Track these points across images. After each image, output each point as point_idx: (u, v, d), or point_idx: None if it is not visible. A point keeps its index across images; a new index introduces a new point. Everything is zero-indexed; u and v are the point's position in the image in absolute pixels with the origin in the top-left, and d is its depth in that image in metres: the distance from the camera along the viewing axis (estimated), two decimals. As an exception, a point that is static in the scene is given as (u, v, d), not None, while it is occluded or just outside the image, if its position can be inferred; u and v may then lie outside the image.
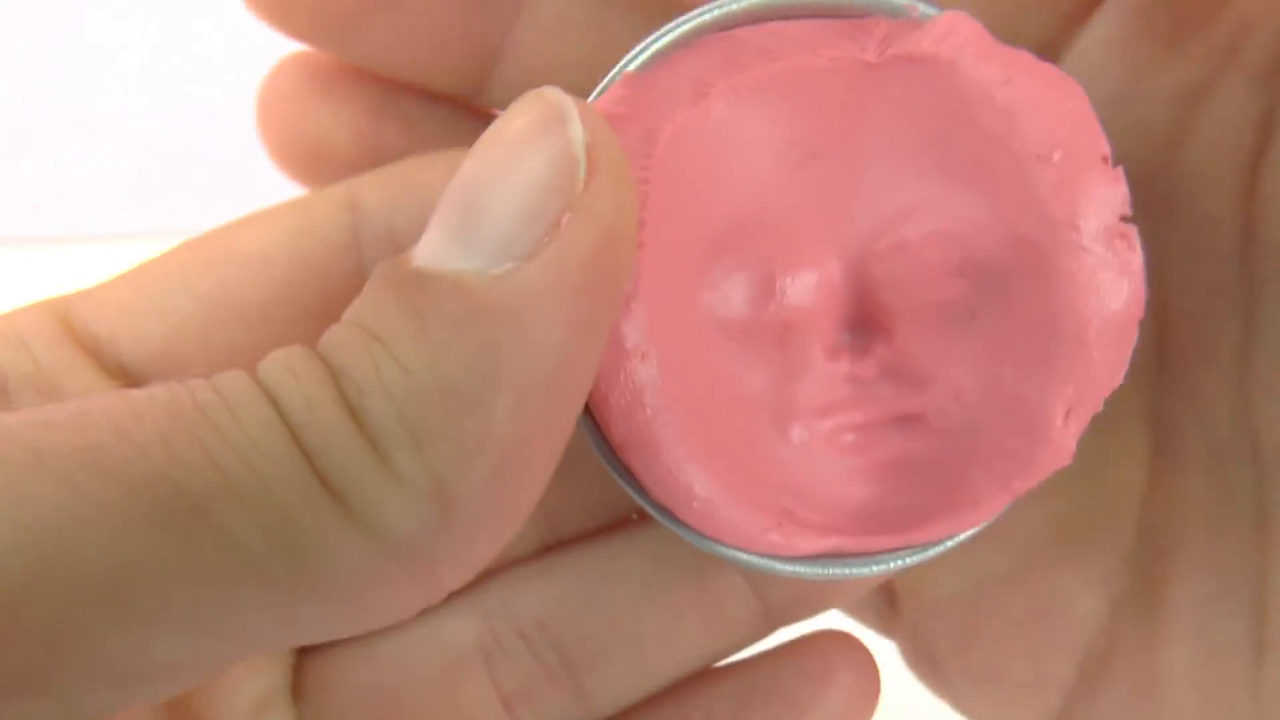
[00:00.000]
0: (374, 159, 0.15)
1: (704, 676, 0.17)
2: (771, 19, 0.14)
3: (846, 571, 0.14)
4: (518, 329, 0.11)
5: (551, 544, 0.17)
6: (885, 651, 0.18)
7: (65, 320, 0.15)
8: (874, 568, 0.14)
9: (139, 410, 0.11)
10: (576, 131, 0.12)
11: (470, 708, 0.17)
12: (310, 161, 0.16)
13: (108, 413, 0.11)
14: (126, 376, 0.15)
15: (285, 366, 0.11)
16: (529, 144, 0.12)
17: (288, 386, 0.11)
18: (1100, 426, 0.13)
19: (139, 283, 0.15)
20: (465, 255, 0.12)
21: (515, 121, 0.12)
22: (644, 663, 0.17)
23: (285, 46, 0.16)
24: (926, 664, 0.18)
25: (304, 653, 0.17)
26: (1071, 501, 0.16)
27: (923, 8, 0.13)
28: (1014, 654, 0.17)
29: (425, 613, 0.15)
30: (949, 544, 0.14)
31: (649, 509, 0.14)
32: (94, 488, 0.10)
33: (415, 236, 0.13)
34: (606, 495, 0.17)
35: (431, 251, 0.12)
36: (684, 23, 0.13)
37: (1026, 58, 0.13)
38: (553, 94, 0.12)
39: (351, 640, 0.17)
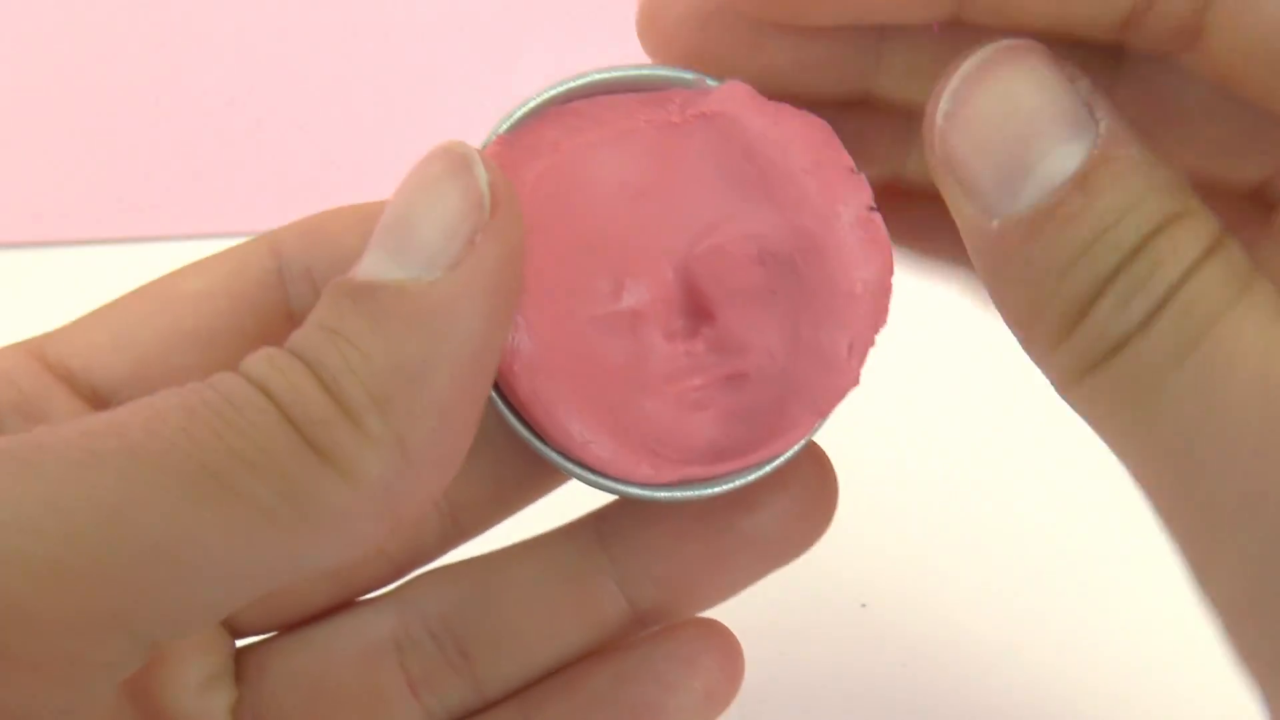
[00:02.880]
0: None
1: (588, 659, 0.20)
2: (600, 94, 0.18)
3: (703, 492, 0.18)
4: (449, 320, 0.15)
5: (454, 536, 0.20)
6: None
7: (41, 357, 0.18)
8: (724, 486, 0.18)
9: (161, 413, 0.14)
10: (481, 174, 0.16)
11: (382, 690, 0.20)
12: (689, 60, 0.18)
13: (137, 418, 0.14)
14: (99, 400, 0.18)
15: (268, 363, 0.15)
16: (446, 183, 0.16)
17: (274, 378, 0.14)
18: None
19: (104, 323, 0.18)
20: (403, 268, 0.15)
21: (433, 167, 0.16)
22: (529, 654, 0.20)
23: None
24: None
25: (243, 644, 0.20)
26: None
27: (709, 80, 0.18)
28: None
29: (347, 609, 0.20)
30: (778, 460, 0.18)
31: (550, 455, 0.18)
32: (141, 476, 0.13)
33: (325, 273, 0.17)
34: (500, 493, 0.20)
35: (374, 268, 0.15)
36: (537, 98, 0.18)
37: (786, 107, 0.18)
38: (460, 146, 0.16)
39: (284, 633, 0.20)
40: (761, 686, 0.32)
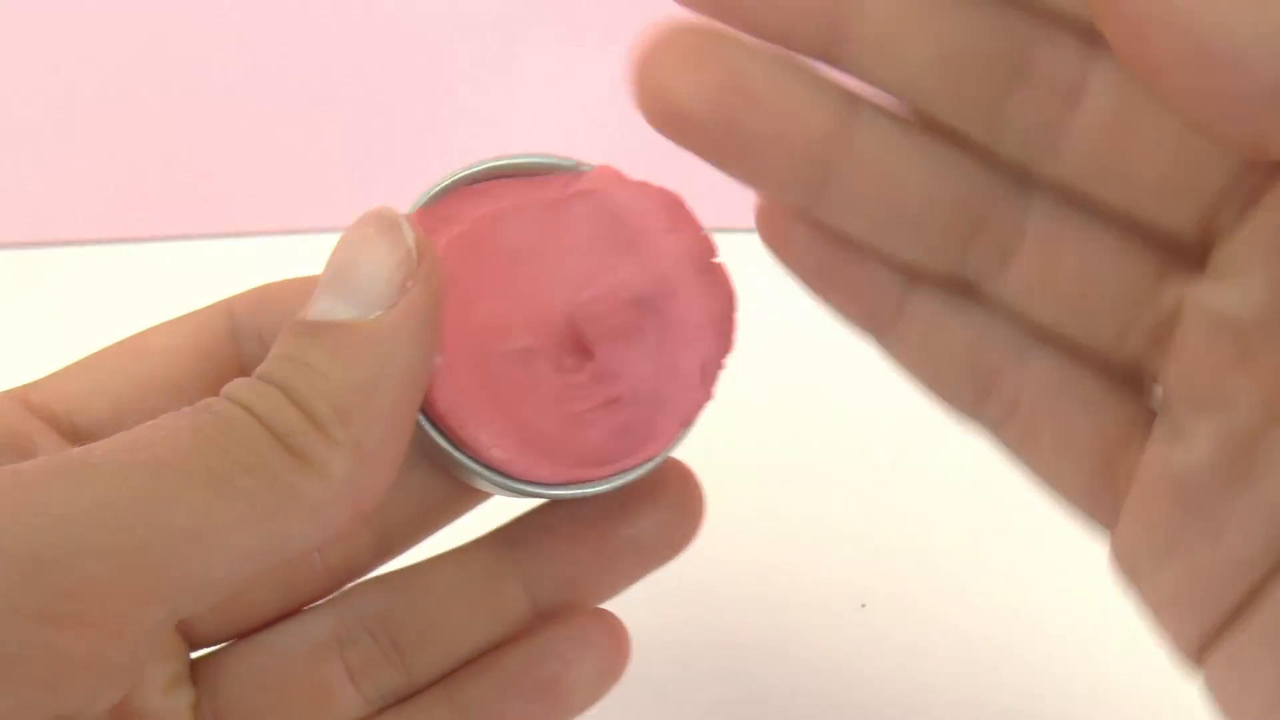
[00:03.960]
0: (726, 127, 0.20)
1: (502, 646, 0.24)
2: (497, 178, 0.23)
3: (591, 490, 0.22)
4: (391, 348, 0.19)
5: (384, 553, 0.25)
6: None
7: (25, 402, 0.21)
8: (605, 485, 0.22)
9: (176, 432, 0.18)
10: (408, 233, 0.20)
11: (327, 680, 0.24)
12: (675, 123, 0.20)
13: (158, 435, 0.18)
14: (80, 439, 0.22)
15: (248, 389, 0.19)
16: (380, 240, 0.20)
17: (255, 400, 0.18)
18: None
19: (82, 373, 0.22)
20: (350, 309, 0.19)
21: (368, 229, 0.20)
22: (450, 644, 0.24)
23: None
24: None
25: (197, 652, 0.24)
26: None
27: (585, 165, 0.23)
28: None
29: (296, 614, 0.24)
30: (649, 465, 0.23)
31: (464, 460, 0.22)
32: (170, 480, 0.17)
33: (273, 332, 0.20)
34: (424, 516, 0.25)
35: (326, 309, 0.19)
36: (447, 180, 0.23)
37: (647, 183, 0.23)
38: (389, 211, 0.20)
39: (238, 640, 0.24)
40: (762, 687, 0.32)
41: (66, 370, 0.22)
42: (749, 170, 0.20)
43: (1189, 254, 0.19)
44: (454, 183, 0.23)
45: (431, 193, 0.22)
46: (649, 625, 0.34)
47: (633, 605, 0.34)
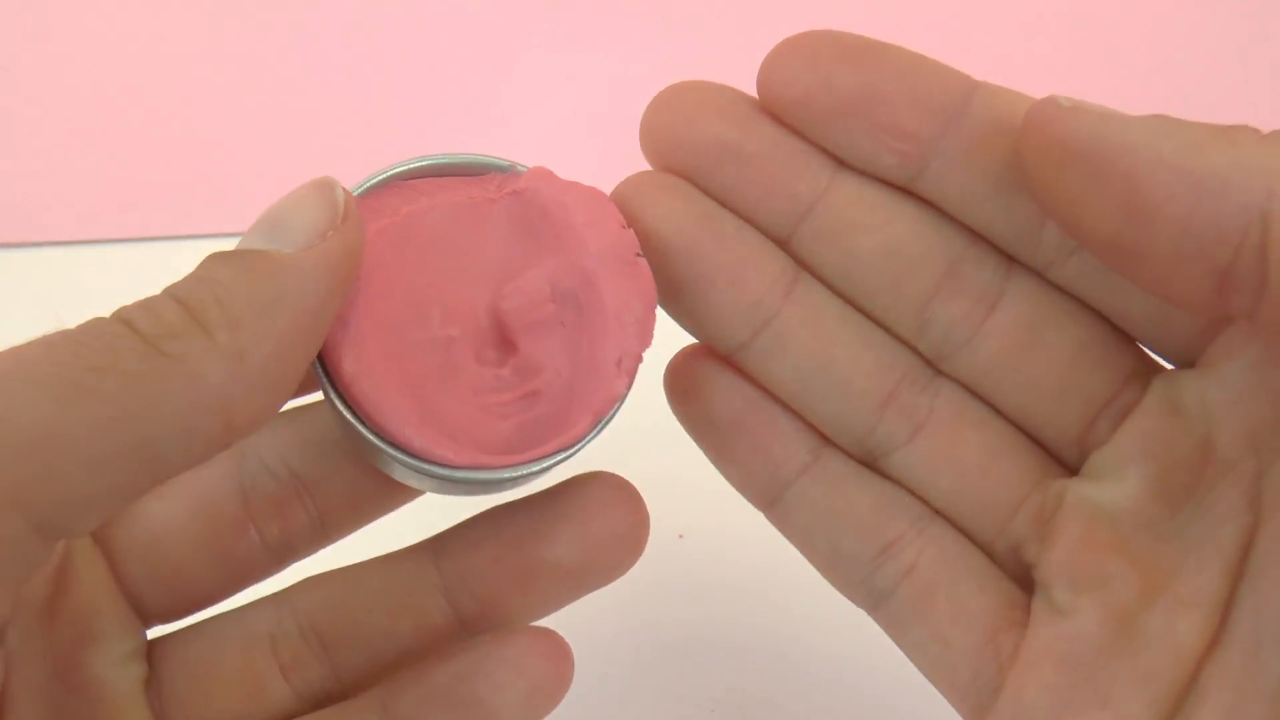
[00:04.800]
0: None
1: (437, 659, 0.24)
2: (434, 175, 0.23)
3: (493, 475, 0.22)
4: (297, 279, 0.19)
5: (321, 537, 0.25)
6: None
7: None
8: (510, 473, 0.22)
9: (25, 348, 0.18)
10: (340, 194, 0.21)
11: (259, 671, 0.24)
12: (649, 241, 0.23)
13: (8, 356, 0.18)
14: None
15: (138, 304, 0.19)
16: (312, 195, 0.21)
17: (136, 312, 0.18)
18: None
19: None
20: (269, 244, 0.20)
21: (304, 188, 0.21)
22: (373, 647, 0.25)
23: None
24: None
25: (152, 636, 0.25)
26: None
27: (521, 166, 0.23)
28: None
29: (235, 611, 0.25)
30: (562, 455, 0.22)
31: (370, 438, 0.22)
32: (14, 389, 0.17)
33: None
34: (358, 505, 0.25)
35: (245, 244, 0.20)
36: (382, 174, 0.23)
37: (577, 184, 0.23)
38: (327, 177, 0.21)
39: (186, 628, 0.25)
40: (762, 687, 0.32)
41: None
42: (701, 300, 0.23)
43: (1069, 454, 0.23)
44: (388, 177, 0.23)
45: (365, 186, 0.23)
46: (649, 625, 0.34)
47: (633, 605, 0.34)
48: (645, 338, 0.23)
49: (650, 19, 0.42)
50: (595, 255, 0.22)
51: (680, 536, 0.34)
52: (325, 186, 0.21)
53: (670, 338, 0.24)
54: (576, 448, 0.22)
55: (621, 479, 0.24)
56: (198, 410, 0.18)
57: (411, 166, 0.23)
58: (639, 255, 0.23)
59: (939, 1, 0.43)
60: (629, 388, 0.22)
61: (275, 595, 0.25)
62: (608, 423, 0.22)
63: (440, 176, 0.23)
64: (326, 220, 0.20)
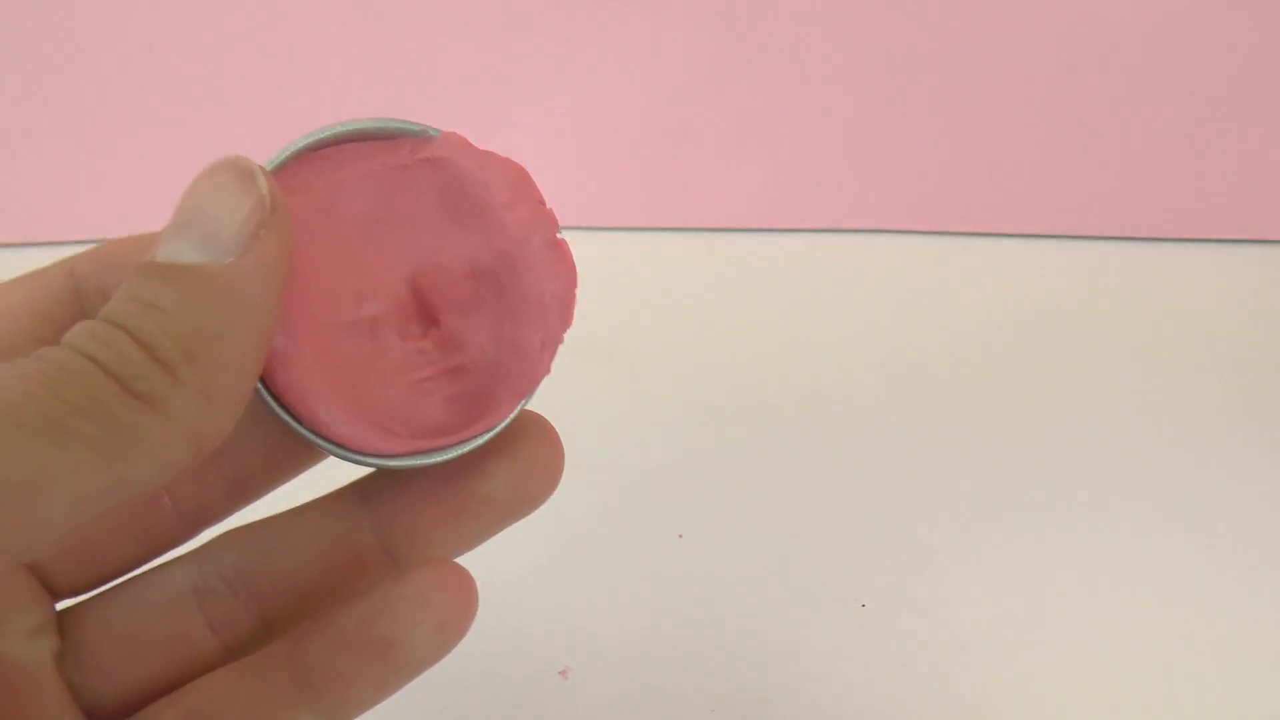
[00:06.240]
0: None
1: (348, 596, 0.24)
2: (344, 142, 0.23)
3: (426, 460, 0.23)
4: (243, 294, 0.19)
5: (237, 499, 0.25)
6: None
7: None
8: (441, 456, 0.23)
9: (4, 382, 0.17)
10: (264, 184, 0.20)
11: (187, 630, 0.24)
12: None
13: (9, 392, 0.17)
14: None
15: (88, 335, 0.18)
16: (235, 188, 0.20)
17: (96, 347, 0.18)
18: None
19: None
20: (204, 254, 0.19)
21: (222, 176, 0.20)
22: (308, 598, 0.24)
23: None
24: None
25: (61, 603, 0.24)
26: None
27: (433, 130, 0.23)
28: None
29: (153, 571, 0.24)
30: (488, 435, 0.23)
31: (306, 434, 0.22)
32: (11, 435, 0.17)
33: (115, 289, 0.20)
34: (274, 465, 0.25)
35: (178, 253, 0.19)
36: (294, 146, 0.22)
37: (494, 154, 0.23)
38: (243, 160, 0.20)
39: (100, 594, 0.24)
40: (762, 686, 0.32)
41: None
42: None
43: None
44: (301, 149, 0.22)
45: (279, 160, 0.22)
46: (649, 625, 0.34)
47: (633, 605, 0.34)
48: (567, 318, 0.23)
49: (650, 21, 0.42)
50: (516, 236, 0.22)
51: (680, 536, 0.34)
52: (245, 174, 0.20)
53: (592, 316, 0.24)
54: (501, 426, 0.23)
55: (536, 413, 0.24)
56: (172, 445, 0.18)
57: (323, 135, 0.23)
58: (559, 236, 0.23)
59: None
60: (550, 369, 0.23)
61: (196, 551, 0.25)
62: (527, 402, 0.23)
63: (351, 143, 0.23)
64: (257, 217, 0.20)
